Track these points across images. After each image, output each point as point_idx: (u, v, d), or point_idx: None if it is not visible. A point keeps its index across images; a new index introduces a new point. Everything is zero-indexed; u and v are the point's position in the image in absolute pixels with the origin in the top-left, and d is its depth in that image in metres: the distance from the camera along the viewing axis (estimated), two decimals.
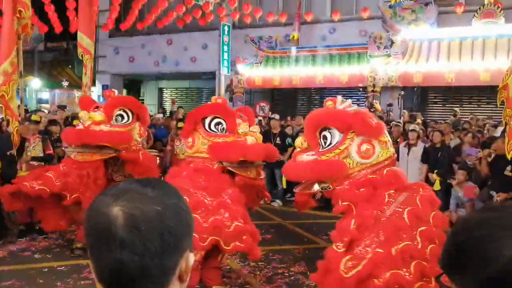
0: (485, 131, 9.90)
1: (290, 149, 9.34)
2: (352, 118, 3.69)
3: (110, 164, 5.79)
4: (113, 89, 6.03)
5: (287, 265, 5.73)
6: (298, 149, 3.98)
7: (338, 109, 3.84)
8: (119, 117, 5.37)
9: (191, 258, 0.97)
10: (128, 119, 5.42)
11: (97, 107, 5.46)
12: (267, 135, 9.60)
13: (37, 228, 6.74)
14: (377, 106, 11.82)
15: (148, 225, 0.90)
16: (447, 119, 11.55)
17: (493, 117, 11.83)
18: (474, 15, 12.00)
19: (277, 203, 9.30)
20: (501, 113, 12.55)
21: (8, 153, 6.64)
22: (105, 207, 0.92)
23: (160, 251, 0.90)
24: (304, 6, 14.70)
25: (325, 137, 3.80)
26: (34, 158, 6.74)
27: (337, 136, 3.77)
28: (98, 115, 5.19)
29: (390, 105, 11.99)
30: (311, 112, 4.15)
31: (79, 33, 7.18)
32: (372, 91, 12.27)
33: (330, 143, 3.77)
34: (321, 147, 3.82)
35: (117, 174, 5.86)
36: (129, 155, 5.45)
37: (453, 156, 8.41)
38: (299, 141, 3.98)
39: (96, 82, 17.92)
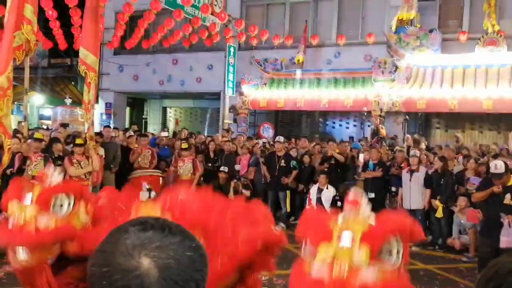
0: (486, 158, 9.90)
1: (294, 172, 9.37)
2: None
3: None
4: (44, 172, 5.00)
5: None
6: None
7: None
8: (59, 206, 4.52)
9: None
10: (69, 205, 4.56)
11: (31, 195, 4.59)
12: (271, 158, 9.64)
13: None
14: (382, 131, 11.86)
15: (184, 274, 0.85)
16: (450, 145, 11.59)
17: (498, 143, 11.88)
18: (478, 43, 12.14)
19: (281, 226, 9.26)
20: (503, 139, 12.66)
21: (8, 171, 6.53)
22: (129, 260, 0.83)
23: None
24: (310, 29, 14.85)
25: None
26: (35, 177, 6.57)
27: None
28: (31, 209, 4.31)
29: (393, 138, 12.01)
30: None
31: (81, 50, 7.09)
32: (380, 115, 12.31)
33: None
34: None
35: None
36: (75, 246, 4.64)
37: (456, 182, 8.43)
38: None
39: (99, 99, 17.98)
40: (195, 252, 0.89)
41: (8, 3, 6.25)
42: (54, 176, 4.68)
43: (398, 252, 2.87)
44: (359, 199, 2.98)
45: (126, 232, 0.88)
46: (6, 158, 6.40)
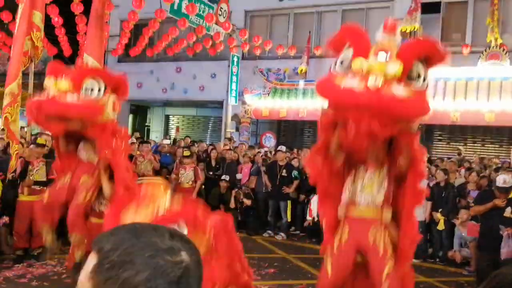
0: (488, 172, 9.89)
1: (296, 182, 9.36)
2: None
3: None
4: (88, 61, 5.12)
5: None
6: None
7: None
8: (89, 90, 4.56)
9: None
10: (100, 92, 4.62)
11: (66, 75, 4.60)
12: (272, 167, 9.64)
13: (35, 254, 6.66)
14: None
15: (200, 260, 0.96)
16: (452, 157, 11.59)
17: (499, 157, 11.89)
18: (480, 56, 12.17)
19: (281, 236, 9.25)
20: (506, 153, 12.65)
21: (9, 175, 6.59)
22: (175, 256, 0.88)
23: None
24: (314, 40, 14.91)
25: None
26: (36, 183, 6.58)
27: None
28: (64, 83, 4.43)
29: None
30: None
31: (85, 56, 7.18)
32: None
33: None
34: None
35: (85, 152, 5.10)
36: (99, 134, 4.71)
37: (457, 195, 8.42)
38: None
39: None
40: (190, 241, 0.97)
41: (19, 11, 6.32)
42: (91, 61, 4.94)
43: (424, 78, 3.15)
44: (396, 26, 3.28)
45: (152, 234, 0.91)
46: (13, 163, 6.46)
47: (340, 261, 3.61)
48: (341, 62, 3.25)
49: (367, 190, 3.60)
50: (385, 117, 2.90)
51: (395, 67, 2.95)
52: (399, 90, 2.94)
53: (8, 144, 8.09)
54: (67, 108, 4.39)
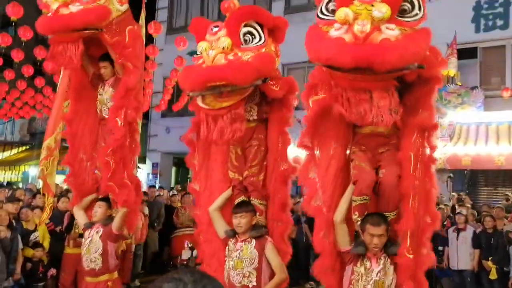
0: None
1: None
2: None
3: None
4: None
5: None
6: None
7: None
8: None
9: None
10: None
11: None
12: (311, 221, 9.59)
13: None
14: None
15: None
16: (499, 203, 11.21)
17: None
18: None
19: (323, 287, 9.09)
20: None
21: (57, 229, 6.90)
22: None
23: None
24: None
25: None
26: (81, 235, 6.54)
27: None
28: None
29: (437, 197, 11.83)
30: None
31: None
32: None
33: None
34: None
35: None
36: (114, 39, 4.38)
37: (507, 242, 8.11)
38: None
39: (147, 160, 18.59)
40: None
41: (62, 71, 6.73)
42: None
43: (419, 7, 2.77)
44: None
45: None
46: (45, 215, 6.70)
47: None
48: (326, 6, 2.92)
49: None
50: (376, 69, 2.60)
51: (382, 10, 2.65)
52: (390, 33, 2.65)
53: (57, 199, 8.47)
54: (75, 19, 4.02)
